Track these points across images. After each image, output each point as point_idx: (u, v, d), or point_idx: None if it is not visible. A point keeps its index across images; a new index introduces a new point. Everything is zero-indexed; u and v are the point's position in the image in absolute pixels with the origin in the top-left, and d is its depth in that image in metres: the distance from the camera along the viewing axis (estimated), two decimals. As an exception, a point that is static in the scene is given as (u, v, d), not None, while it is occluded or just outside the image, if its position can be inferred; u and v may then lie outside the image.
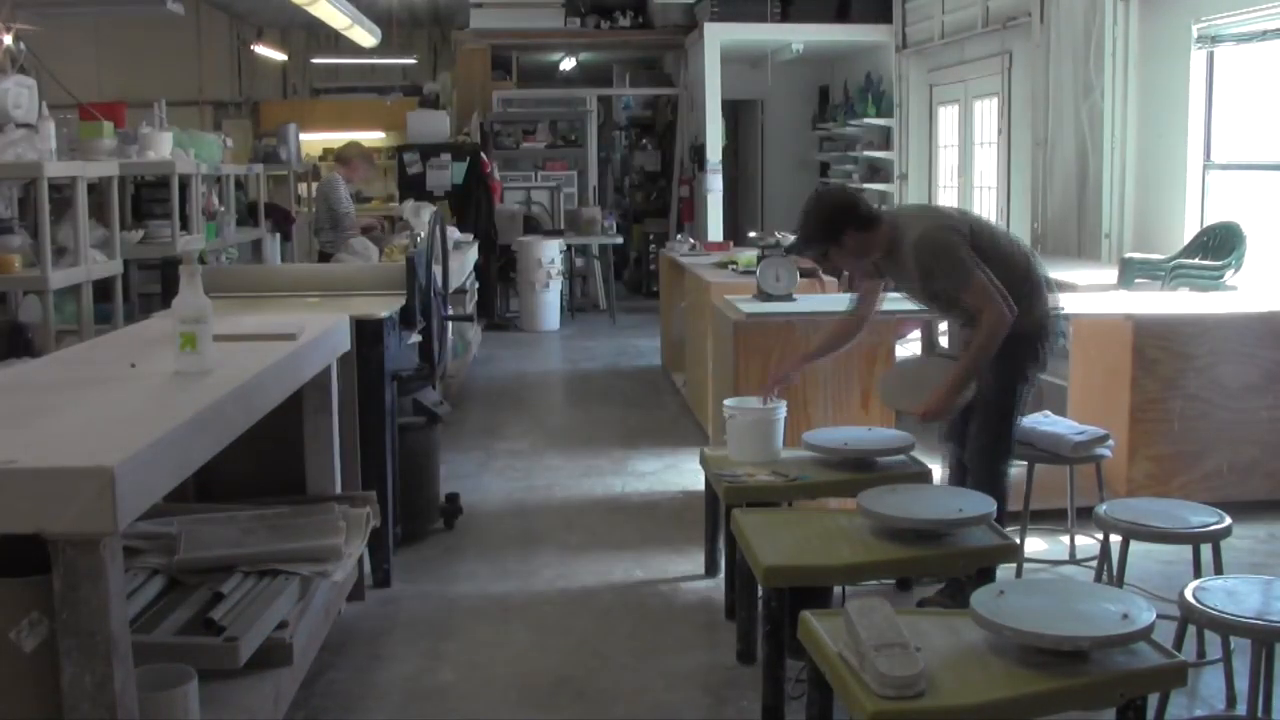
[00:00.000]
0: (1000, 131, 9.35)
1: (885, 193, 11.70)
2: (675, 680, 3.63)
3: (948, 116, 10.74)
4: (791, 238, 7.65)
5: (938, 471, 4.27)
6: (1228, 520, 3.45)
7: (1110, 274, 6.27)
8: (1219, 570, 3.44)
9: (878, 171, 12.09)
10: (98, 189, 6.56)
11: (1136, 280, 6.06)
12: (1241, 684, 3.21)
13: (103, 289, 6.42)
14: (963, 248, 3.87)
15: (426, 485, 4.98)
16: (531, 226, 11.35)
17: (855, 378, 5.13)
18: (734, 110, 14.03)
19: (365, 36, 11.84)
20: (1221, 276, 5.80)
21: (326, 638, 3.57)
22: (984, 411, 4.04)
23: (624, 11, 13.01)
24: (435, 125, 11.92)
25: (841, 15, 11.41)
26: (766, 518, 3.64)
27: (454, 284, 6.71)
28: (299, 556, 3.40)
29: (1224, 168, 6.60)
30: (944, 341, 5.32)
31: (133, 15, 12.09)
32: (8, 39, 6.69)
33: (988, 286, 3.82)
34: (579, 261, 12.09)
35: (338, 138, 15.32)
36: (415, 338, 4.79)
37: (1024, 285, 3.98)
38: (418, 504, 4.86)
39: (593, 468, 6.08)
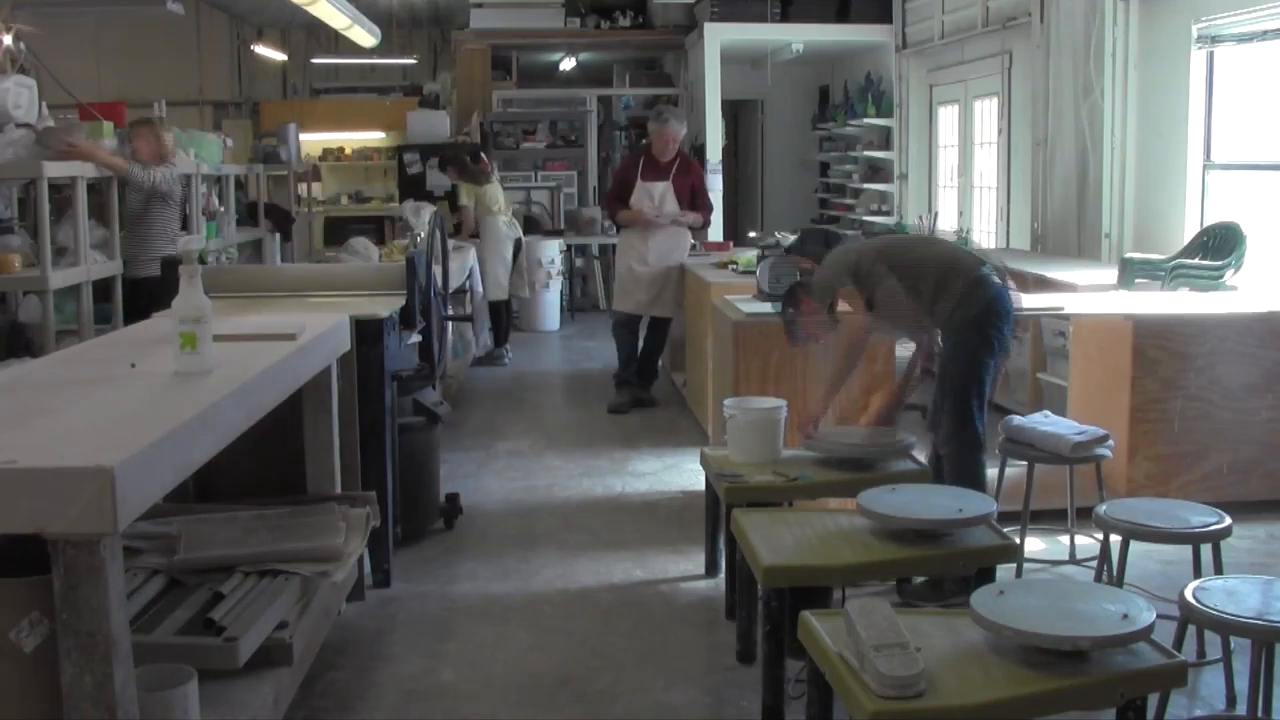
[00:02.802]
0: (1000, 131, 9.35)
1: (885, 193, 11.70)
2: (675, 680, 3.63)
3: (948, 116, 10.74)
4: (792, 237, 7.66)
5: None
6: (1228, 520, 3.45)
7: (1110, 274, 6.27)
8: (1219, 570, 3.44)
9: (878, 171, 12.09)
10: (98, 189, 6.57)
11: (1136, 280, 6.05)
12: (1241, 684, 3.22)
13: (103, 289, 6.42)
14: (839, 273, 4.30)
15: (426, 485, 4.98)
16: (531, 226, 11.36)
17: (855, 377, 5.12)
18: (734, 110, 14.04)
19: (365, 37, 11.84)
20: (1221, 276, 5.80)
21: (326, 638, 3.57)
22: (947, 398, 4.20)
23: (624, 11, 13.01)
24: (435, 125, 11.92)
25: (841, 15, 11.41)
26: (766, 518, 3.64)
27: (454, 284, 6.71)
28: (299, 556, 3.40)
29: (1224, 168, 6.60)
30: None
31: (133, 15, 12.10)
32: (8, 39, 6.69)
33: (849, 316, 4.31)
34: (579, 261, 12.10)
35: (338, 138, 15.43)
36: (415, 338, 4.79)
37: (948, 281, 4.19)
38: (418, 504, 4.86)
39: (593, 468, 6.08)
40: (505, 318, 9.30)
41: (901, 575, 4.02)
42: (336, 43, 14.43)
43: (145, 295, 6.58)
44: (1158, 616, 2.58)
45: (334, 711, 3.44)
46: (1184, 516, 3.50)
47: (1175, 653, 2.63)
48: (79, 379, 3.01)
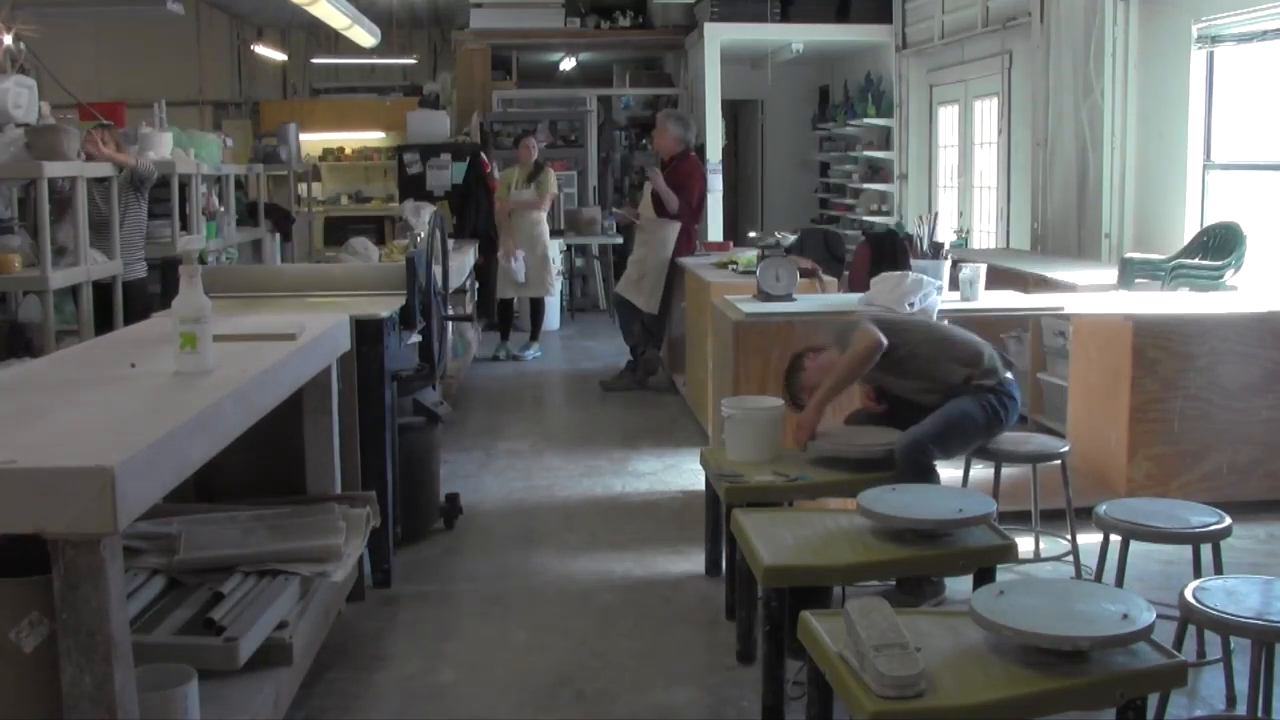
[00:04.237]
0: (1000, 131, 9.34)
1: (885, 193, 11.70)
2: (675, 680, 3.63)
3: (948, 116, 10.73)
4: (792, 237, 7.67)
5: (941, 472, 4.27)
6: (1228, 520, 3.45)
7: (1110, 274, 6.26)
8: (1219, 570, 3.44)
9: (878, 171, 12.09)
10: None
11: (1136, 280, 6.05)
12: (1241, 684, 3.22)
13: (99, 291, 6.41)
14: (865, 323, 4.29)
15: (426, 485, 4.98)
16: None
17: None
18: (734, 110, 14.03)
19: (365, 36, 11.85)
20: (1221, 276, 5.80)
21: (326, 638, 3.57)
22: (933, 417, 4.15)
23: (624, 11, 13.01)
24: (435, 125, 11.92)
25: (841, 15, 11.40)
26: (766, 518, 3.64)
27: (454, 284, 6.71)
28: (299, 556, 3.40)
29: (1224, 168, 6.60)
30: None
31: (133, 15, 12.10)
32: (8, 39, 6.69)
33: (867, 324, 4.24)
34: (579, 261, 12.09)
35: (338, 138, 15.44)
36: (415, 338, 4.79)
37: (953, 363, 4.25)
38: (418, 504, 4.86)
39: (593, 468, 6.08)
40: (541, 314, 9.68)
41: (901, 575, 4.02)
42: (336, 43, 14.43)
43: (139, 298, 6.59)
44: (1158, 616, 2.58)
45: (334, 711, 3.44)
46: (1184, 516, 3.50)
47: (1175, 653, 2.63)
48: (79, 379, 3.01)
